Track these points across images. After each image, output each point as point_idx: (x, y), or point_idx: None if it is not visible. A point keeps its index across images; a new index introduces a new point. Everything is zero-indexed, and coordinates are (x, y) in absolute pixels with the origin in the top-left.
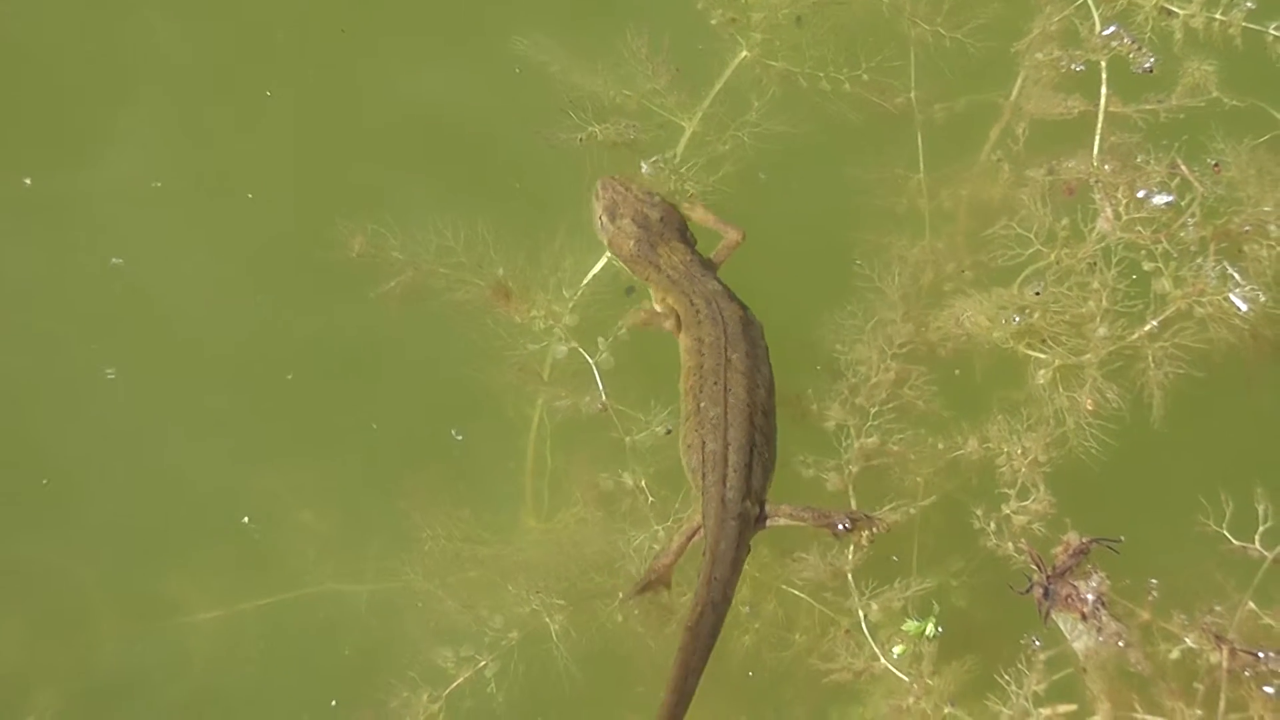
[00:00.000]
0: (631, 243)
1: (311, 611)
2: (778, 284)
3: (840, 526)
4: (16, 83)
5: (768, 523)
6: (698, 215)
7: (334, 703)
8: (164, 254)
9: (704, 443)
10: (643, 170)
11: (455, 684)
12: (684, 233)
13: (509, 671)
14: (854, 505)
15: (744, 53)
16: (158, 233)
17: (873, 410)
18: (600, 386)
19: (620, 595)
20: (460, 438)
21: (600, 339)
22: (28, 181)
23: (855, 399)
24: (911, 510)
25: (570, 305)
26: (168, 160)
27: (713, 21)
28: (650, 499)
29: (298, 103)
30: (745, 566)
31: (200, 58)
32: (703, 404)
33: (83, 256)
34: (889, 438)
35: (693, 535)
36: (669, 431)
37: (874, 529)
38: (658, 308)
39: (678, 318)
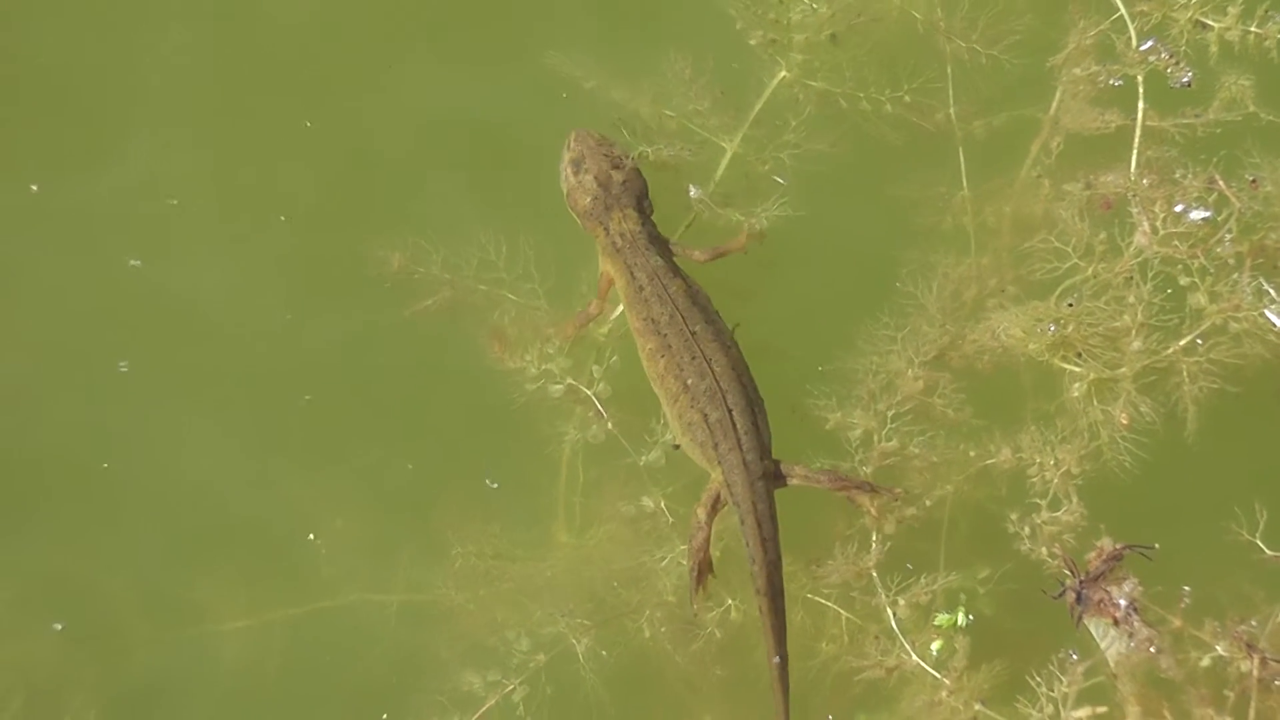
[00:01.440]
0: (588, 199)
1: (340, 622)
2: (823, 304)
3: (860, 491)
4: (32, 90)
5: (787, 481)
6: (736, 244)
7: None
8: (195, 264)
9: (705, 415)
10: (691, 194)
11: (485, 708)
12: (641, 201)
13: (537, 694)
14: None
15: (783, 73)
16: (189, 245)
17: (889, 414)
18: (603, 414)
19: (647, 610)
20: (495, 485)
21: (595, 368)
22: (34, 188)
23: (876, 405)
24: (928, 502)
25: (560, 349)
26: (196, 171)
27: (752, 42)
28: (671, 520)
29: (330, 119)
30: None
31: (231, 69)
32: (689, 381)
33: (108, 263)
34: (909, 441)
35: (714, 505)
36: (677, 446)
37: (892, 497)
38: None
39: (610, 284)
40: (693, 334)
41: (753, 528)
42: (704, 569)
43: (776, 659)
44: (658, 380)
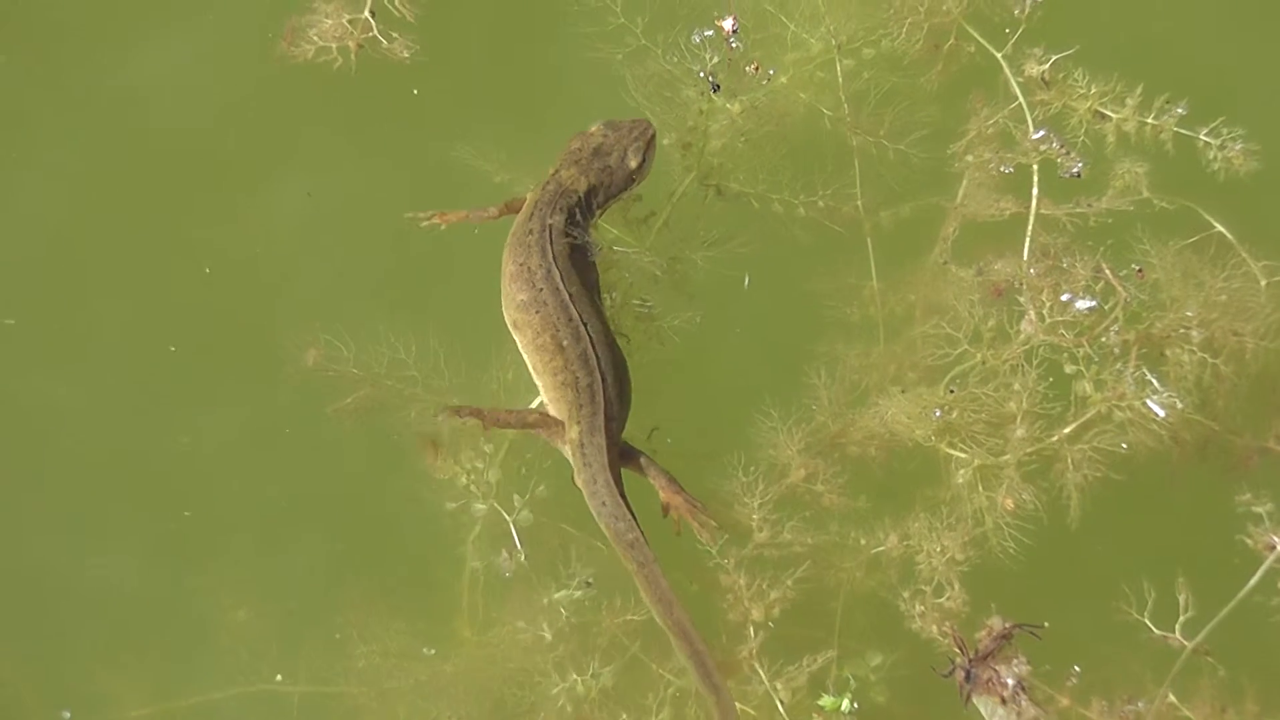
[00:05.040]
0: (576, 145)
1: (243, 713)
2: (732, 401)
3: (689, 508)
4: None
5: (639, 464)
6: None
7: None
8: (85, 375)
9: (576, 378)
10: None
11: None
12: (599, 185)
13: None
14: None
15: (694, 173)
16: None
17: (757, 504)
18: (518, 543)
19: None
20: (432, 652)
21: (516, 496)
22: None
23: (745, 498)
24: (789, 582)
25: (493, 461)
26: (88, 280)
27: (665, 142)
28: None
29: (219, 225)
30: (664, 675)
31: (115, 177)
32: (564, 342)
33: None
34: (781, 531)
35: (539, 426)
36: (590, 585)
37: (708, 534)
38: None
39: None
40: (570, 296)
41: (614, 495)
42: (482, 419)
43: (664, 603)
44: (529, 331)
